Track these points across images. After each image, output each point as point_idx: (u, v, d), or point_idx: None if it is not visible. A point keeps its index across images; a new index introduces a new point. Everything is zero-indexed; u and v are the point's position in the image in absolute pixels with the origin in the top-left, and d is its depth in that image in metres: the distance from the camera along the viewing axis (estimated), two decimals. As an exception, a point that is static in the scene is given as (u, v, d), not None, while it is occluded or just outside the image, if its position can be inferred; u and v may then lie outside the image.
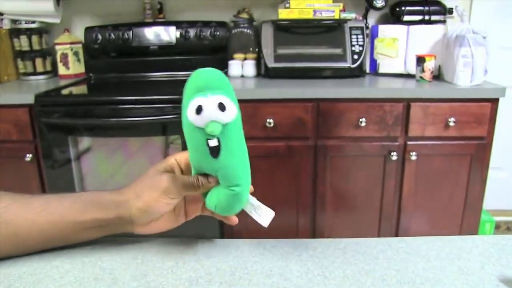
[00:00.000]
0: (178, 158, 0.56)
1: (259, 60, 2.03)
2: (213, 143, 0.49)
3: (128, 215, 0.54)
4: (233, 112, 0.49)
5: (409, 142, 1.74)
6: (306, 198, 1.81)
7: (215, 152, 0.49)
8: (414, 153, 1.73)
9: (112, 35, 2.17)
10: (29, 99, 1.74)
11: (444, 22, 1.95)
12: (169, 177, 0.53)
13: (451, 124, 1.69)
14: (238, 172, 0.51)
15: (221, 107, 0.48)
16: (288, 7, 1.94)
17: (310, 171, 1.79)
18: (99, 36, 2.18)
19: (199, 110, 0.47)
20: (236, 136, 0.51)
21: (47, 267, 0.54)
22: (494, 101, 1.69)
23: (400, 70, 1.96)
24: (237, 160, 0.51)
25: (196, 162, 0.52)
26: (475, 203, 1.82)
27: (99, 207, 0.55)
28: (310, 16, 1.94)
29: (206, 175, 0.52)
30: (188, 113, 0.48)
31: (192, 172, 0.53)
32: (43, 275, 0.52)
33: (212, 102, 0.48)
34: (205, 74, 0.49)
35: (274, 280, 0.50)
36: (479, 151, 1.75)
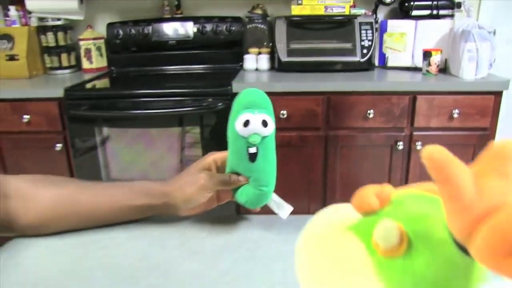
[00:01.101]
0: (215, 157, 0.68)
1: (272, 54, 2.13)
2: (252, 150, 0.61)
3: (173, 203, 0.66)
4: (272, 127, 0.61)
5: (414, 133, 1.84)
6: (317, 186, 1.93)
7: (253, 158, 0.62)
8: (419, 143, 1.83)
9: (133, 30, 2.28)
10: (58, 93, 1.87)
11: (452, 16, 2.03)
12: (206, 175, 0.65)
13: (455, 115, 1.79)
14: (268, 176, 0.64)
15: (264, 123, 0.60)
16: (301, 4, 2.04)
17: (321, 161, 1.90)
18: (120, 32, 2.29)
19: (246, 123, 0.59)
20: (271, 146, 0.63)
21: (107, 237, 0.66)
22: (498, 94, 1.78)
23: (408, 63, 2.05)
24: (269, 166, 0.63)
25: (234, 163, 0.64)
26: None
27: (149, 195, 0.67)
28: (321, 12, 2.03)
29: (237, 174, 0.64)
30: (236, 124, 0.60)
31: (226, 170, 0.66)
32: (105, 243, 0.64)
33: (258, 118, 0.60)
34: (253, 94, 0.61)
35: (289, 248, 0.61)
36: (482, 142, 1.84)
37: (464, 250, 0.23)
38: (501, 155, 0.24)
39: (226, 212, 0.70)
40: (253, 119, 0.59)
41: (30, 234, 0.66)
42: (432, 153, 0.22)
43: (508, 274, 0.20)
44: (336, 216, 0.33)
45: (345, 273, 0.26)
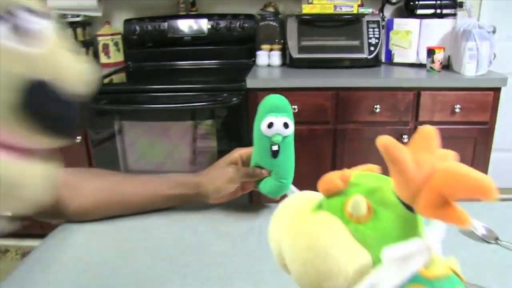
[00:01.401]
0: (241, 153, 0.79)
1: (284, 51, 2.23)
2: (275, 148, 0.72)
3: (204, 192, 0.78)
4: (291, 129, 0.72)
5: (419, 127, 1.94)
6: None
7: (275, 154, 0.72)
8: (423, 136, 1.93)
9: (149, 26, 2.38)
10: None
11: (455, 15, 2.12)
12: (234, 169, 0.77)
13: (457, 110, 1.88)
14: (288, 170, 0.74)
15: (285, 125, 0.71)
16: (311, 3, 2.13)
17: (330, 153, 2.01)
18: (137, 28, 2.39)
19: (270, 125, 0.70)
20: (291, 145, 0.73)
21: (146, 222, 0.78)
22: (497, 90, 1.87)
23: (413, 60, 2.14)
24: (289, 161, 0.74)
25: (258, 158, 0.75)
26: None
27: (183, 186, 0.79)
28: (331, 11, 2.12)
29: (261, 167, 0.75)
30: (262, 126, 0.71)
31: (251, 164, 0.77)
32: (145, 228, 0.76)
33: (281, 121, 0.70)
34: (277, 100, 0.71)
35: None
36: (482, 135, 1.94)
37: (409, 208, 0.34)
38: (426, 136, 0.34)
39: (240, 202, 0.81)
40: (276, 122, 0.70)
41: (77, 220, 0.78)
42: (384, 141, 0.32)
43: (442, 219, 0.31)
44: (303, 199, 0.42)
45: (331, 242, 0.34)
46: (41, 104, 0.26)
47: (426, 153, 0.33)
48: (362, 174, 0.38)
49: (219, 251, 0.70)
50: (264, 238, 0.43)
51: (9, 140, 0.27)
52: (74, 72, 0.27)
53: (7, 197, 0.27)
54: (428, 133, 0.35)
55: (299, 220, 0.38)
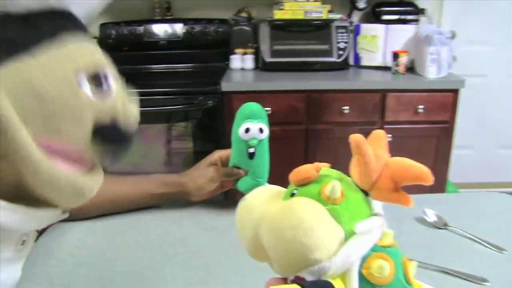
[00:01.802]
0: (221, 154, 0.87)
1: (257, 55, 2.32)
2: (251, 150, 0.81)
3: (187, 191, 0.86)
4: (266, 133, 0.80)
5: (385, 126, 2.06)
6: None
7: (251, 156, 0.81)
8: (389, 135, 2.01)
9: (125, 31, 2.41)
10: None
11: (417, 21, 2.25)
12: (214, 169, 0.85)
13: (420, 110, 2.01)
14: (263, 170, 0.83)
15: (261, 130, 0.79)
16: (282, 8, 2.22)
17: (303, 152, 2.11)
18: (113, 32, 2.41)
19: (247, 130, 0.79)
20: (266, 148, 0.82)
21: (135, 218, 0.86)
22: (456, 91, 2.01)
23: (379, 63, 2.26)
24: (264, 162, 0.83)
25: (236, 160, 0.83)
26: (441, 178, 2.15)
27: (167, 185, 0.87)
28: (301, 16, 2.22)
29: (239, 168, 0.84)
30: (240, 131, 0.79)
31: (229, 165, 0.85)
32: (134, 224, 0.84)
33: (256, 126, 0.79)
34: (253, 107, 0.80)
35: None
36: (443, 133, 2.07)
37: (365, 193, 0.44)
38: (379, 137, 0.45)
39: (215, 198, 0.89)
40: (252, 127, 0.79)
41: (70, 219, 0.84)
42: (356, 138, 0.42)
43: (394, 201, 0.41)
44: (267, 191, 0.48)
45: (316, 220, 0.40)
46: (109, 136, 0.40)
47: (379, 149, 0.44)
48: (324, 170, 0.46)
49: (203, 242, 0.78)
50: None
51: (85, 158, 0.41)
52: (129, 111, 0.43)
53: (76, 199, 0.40)
54: (380, 134, 0.46)
55: (281, 205, 0.43)
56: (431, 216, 0.82)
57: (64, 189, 0.38)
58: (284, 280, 0.44)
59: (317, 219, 0.40)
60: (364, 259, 0.40)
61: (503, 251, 0.73)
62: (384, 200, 0.43)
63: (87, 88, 0.38)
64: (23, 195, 0.37)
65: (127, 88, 0.45)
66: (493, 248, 0.74)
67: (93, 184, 0.42)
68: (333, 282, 0.39)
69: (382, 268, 0.40)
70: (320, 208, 0.41)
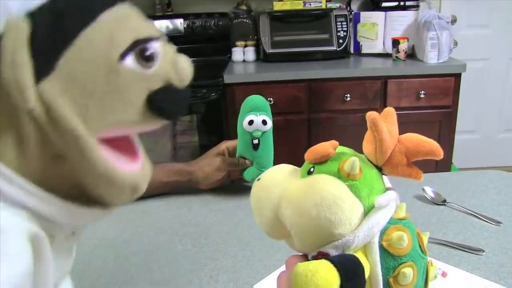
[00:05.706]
0: (228, 145, 0.91)
1: (258, 47, 2.34)
2: (255, 141, 0.85)
3: (195, 179, 0.90)
4: (269, 125, 0.84)
5: (387, 113, 2.08)
6: (302, 164, 2.16)
7: (256, 147, 0.85)
8: (391, 121, 2.07)
9: (127, 28, 2.45)
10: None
11: (417, 7, 2.26)
12: (221, 159, 0.89)
13: (422, 96, 2.03)
14: (267, 160, 0.87)
15: (264, 122, 0.83)
16: (281, 0, 2.24)
17: (306, 141, 2.14)
18: (115, 29, 2.46)
19: (251, 122, 0.83)
20: (269, 139, 0.86)
21: (147, 205, 0.89)
22: (458, 76, 2.02)
23: (379, 50, 2.28)
24: (268, 153, 0.87)
25: (242, 150, 0.87)
26: (445, 162, 2.17)
27: (177, 173, 0.91)
28: (300, 7, 2.24)
29: (244, 158, 0.87)
30: (244, 123, 0.83)
31: (236, 155, 0.89)
32: (146, 210, 0.87)
33: (260, 119, 0.83)
34: (256, 100, 0.84)
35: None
36: (446, 118, 2.09)
37: (379, 169, 0.45)
38: (390, 114, 0.47)
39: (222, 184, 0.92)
40: (256, 119, 0.83)
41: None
42: (371, 115, 0.44)
43: (406, 175, 0.44)
44: (283, 170, 0.49)
45: (339, 195, 0.41)
46: (162, 101, 0.37)
47: (391, 126, 0.46)
48: (339, 148, 0.48)
49: (211, 222, 0.81)
50: (250, 211, 0.49)
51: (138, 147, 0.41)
52: (181, 67, 0.39)
53: (132, 196, 0.39)
54: (391, 111, 0.48)
55: (302, 183, 0.44)
56: (430, 194, 0.85)
57: (123, 188, 0.37)
58: (305, 257, 0.44)
59: (340, 195, 0.41)
60: (383, 232, 0.42)
61: (499, 224, 0.76)
62: (397, 174, 0.45)
63: (129, 60, 0.35)
64: (80, 194, 0.37)
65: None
66: (490, 222, 0.77)
67: (146, 179, 0.41)
68: (356, 255, 0.41)
69: (402, 239, 0.41)
70: (341, 184, 0.42)
